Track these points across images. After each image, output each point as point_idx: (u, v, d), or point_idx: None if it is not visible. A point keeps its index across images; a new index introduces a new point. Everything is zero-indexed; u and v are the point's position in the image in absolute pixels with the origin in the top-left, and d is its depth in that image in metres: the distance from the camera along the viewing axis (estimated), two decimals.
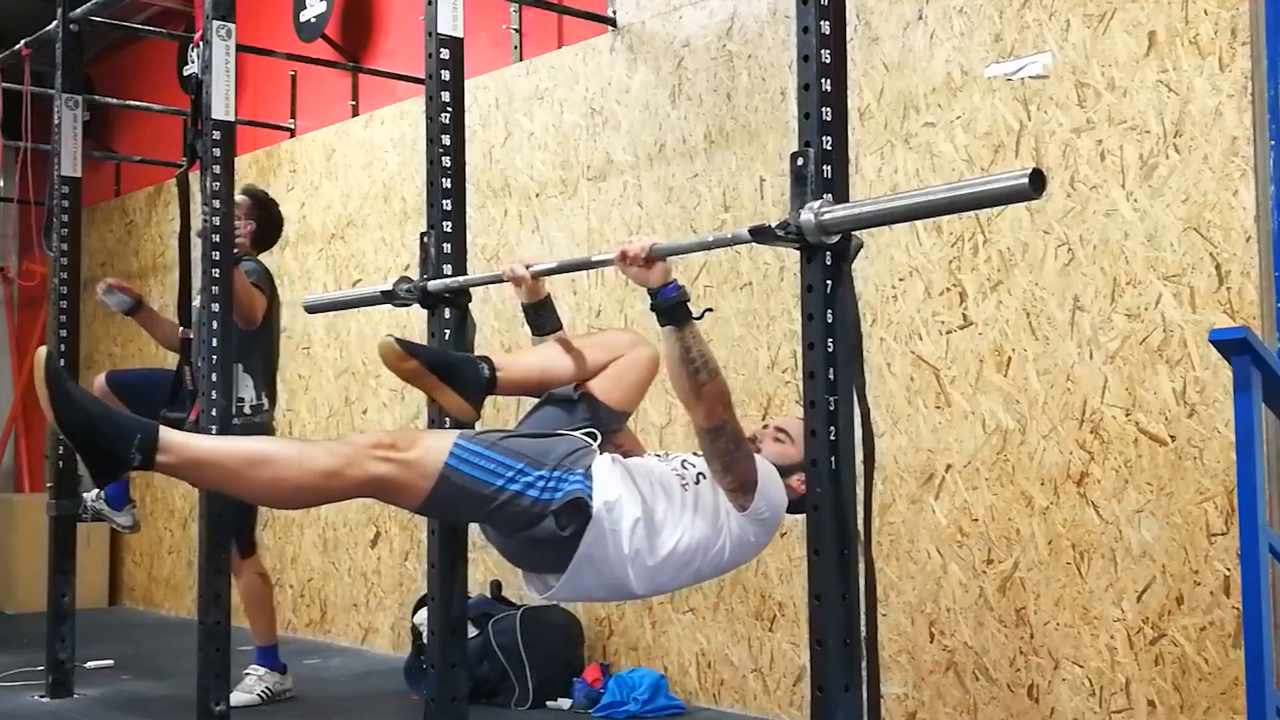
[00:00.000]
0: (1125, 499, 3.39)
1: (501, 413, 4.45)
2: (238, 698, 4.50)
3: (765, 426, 2.83)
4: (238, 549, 4.46)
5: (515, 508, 2.47)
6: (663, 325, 2.48)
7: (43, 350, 2.37)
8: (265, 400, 4.61)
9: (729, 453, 2.50)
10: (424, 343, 2.95)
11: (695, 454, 2.72)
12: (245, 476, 2.42)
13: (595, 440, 2.64)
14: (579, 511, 2.47)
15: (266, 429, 4.62)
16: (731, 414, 2.48)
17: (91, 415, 2.36)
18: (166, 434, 2.39)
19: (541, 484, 2.48)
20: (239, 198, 4.55)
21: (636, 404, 2.83)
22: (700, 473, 2.64)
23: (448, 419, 2.89)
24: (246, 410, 4.51)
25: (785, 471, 2.68)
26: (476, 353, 3.05)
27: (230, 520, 4.05)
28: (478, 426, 2.84)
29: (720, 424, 2.47)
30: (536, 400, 2.86)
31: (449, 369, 2.76)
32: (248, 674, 4.66)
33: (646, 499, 2.55)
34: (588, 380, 2.76)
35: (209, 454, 2.46)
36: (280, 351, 4.81)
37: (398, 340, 2.69)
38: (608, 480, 2.54)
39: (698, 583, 2.85)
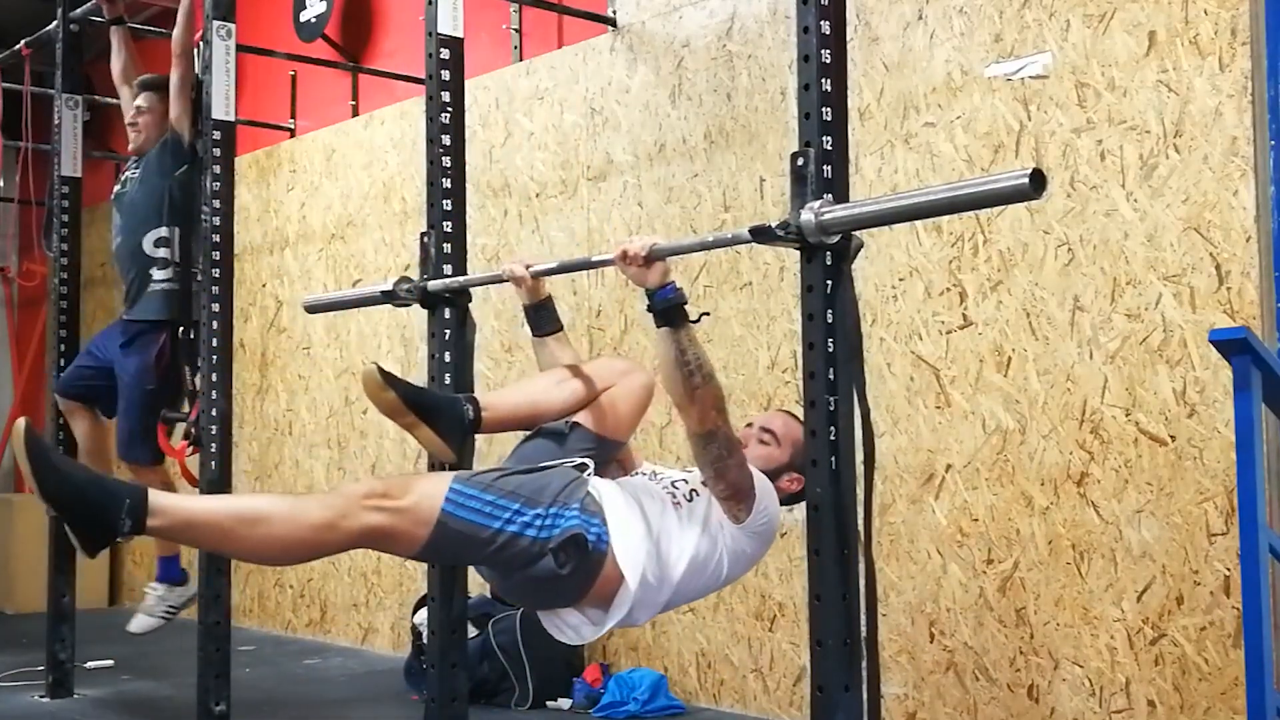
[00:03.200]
0: (1125, 499, 3.39)
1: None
2: (141, 623, 4.40)
3: (749, 425, 2.79)
4: (144, 458, 4.33)
5: (514, 549, 2.43)
6: (659, 326, 2.47)
7: (21, 422, 2.28)
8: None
9: (721, 459, 2.46)
10: (408, 378, 2.82)
11: (687, 470, 2.70)
12: (239, 535, 2.35)
13: (586, 470, 2.59)
14: (577, 548, 2.44)
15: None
16: (725, 420, 2.46)
17: (78, 484, 2.28)
18: (155, 497, 2.31)
19: (539, 523, 2.43)
20: (142, 100, 4.46)
21: (630, 431, 2.77)
22: (693, 489, 2.61)
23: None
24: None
25: (774, 474, 2.67)
26: (472, 362, 3.02)
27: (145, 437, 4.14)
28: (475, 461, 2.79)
29: (713, 429, 2.44)
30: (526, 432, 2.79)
31: (429, 408, 2.68)
32: (148, 591, 4.49)
33: (652, 525, 2.53)
34: (579, 410, 2.70)
35: (201, 514, 2.40)
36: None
37: (380, 370, 2.62)
38: (617, 508, 2.51)
39: (695, 599, 2.81)
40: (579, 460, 2.60)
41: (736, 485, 2.51)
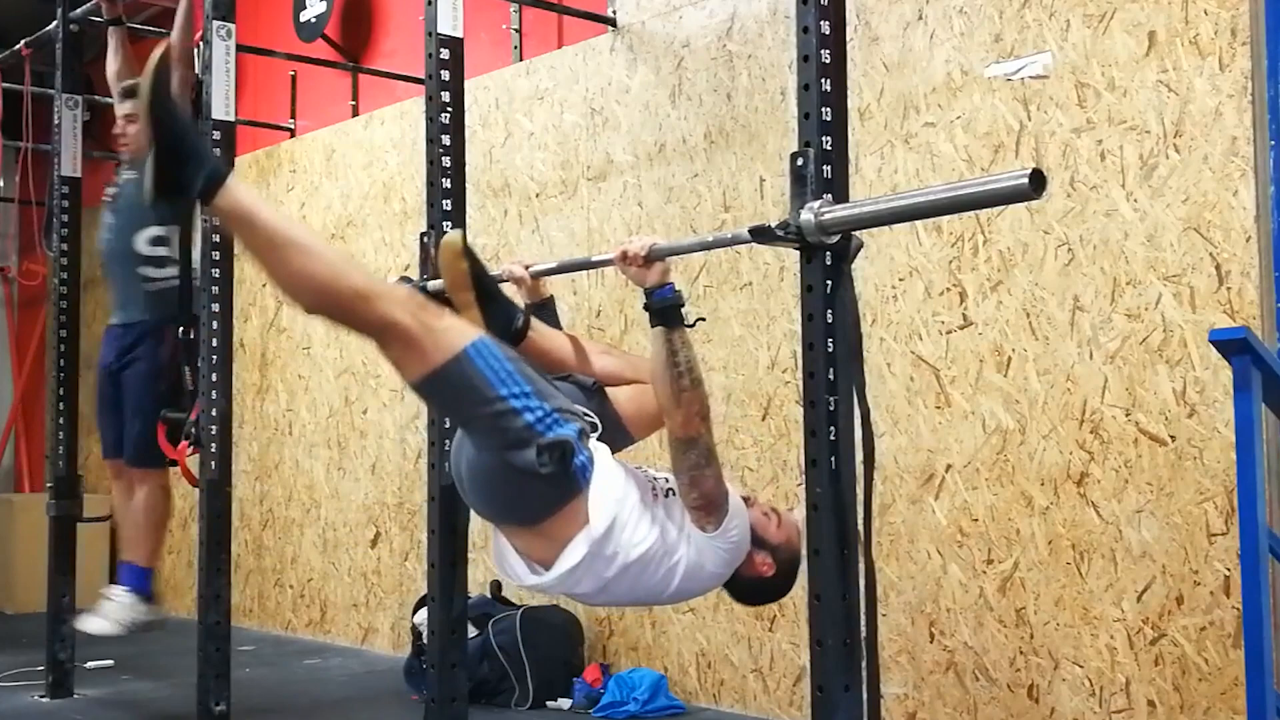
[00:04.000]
0: (1125, 499, 3.39)
1: None
2: (98, 625, 4.15)
3: (764, 502, 2.75)
4: (159, 462, 4.23)
5: (508, 422, 2.41)
6: (653, 326, 2.47)
7: (161, 48, 2.42)
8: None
9: (698, 467, 2.44)
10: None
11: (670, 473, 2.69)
12: (284, 255, 2.40)
13: (596, 431, 2.58)
14: (563, 456, 2.41)
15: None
16: (708, 429, 2.45)
17: (179, 127, 2.39)
18: (235, 181, 2.41)
19: (540, 414, 2.43)
20: (131, 107, 4.36)
21: (645, 432, 2.78)
22: (670, 489, 2.58)
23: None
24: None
25: (756, 541, 2.60)
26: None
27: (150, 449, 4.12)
28: None
29: (694, 436, 2.43)
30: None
31: (490, 295, 2.75)
32: (114, 599, 4.22)
33: (631, 495, 2.50)
34: (609, 384, 2.74)
35: (263, 219, 2.43)
36: None
37: (464, 239, 2.70)
38: (606, 464, 2.50)
39: (636, 603, 2.76)
40: (592, 420, 2.60)
41: (710, 496, 2.47)
